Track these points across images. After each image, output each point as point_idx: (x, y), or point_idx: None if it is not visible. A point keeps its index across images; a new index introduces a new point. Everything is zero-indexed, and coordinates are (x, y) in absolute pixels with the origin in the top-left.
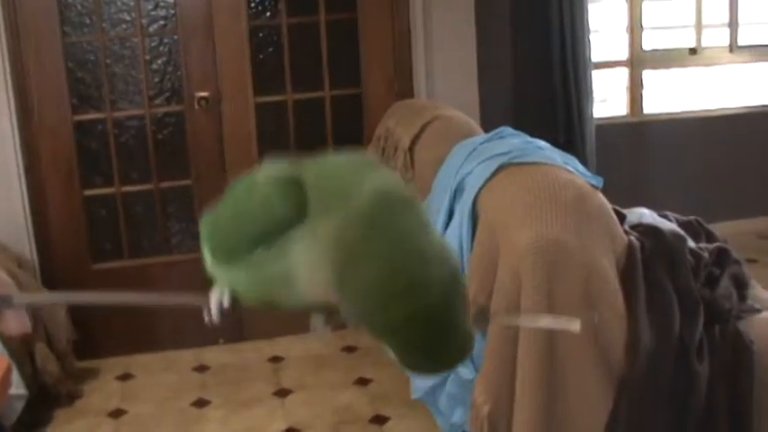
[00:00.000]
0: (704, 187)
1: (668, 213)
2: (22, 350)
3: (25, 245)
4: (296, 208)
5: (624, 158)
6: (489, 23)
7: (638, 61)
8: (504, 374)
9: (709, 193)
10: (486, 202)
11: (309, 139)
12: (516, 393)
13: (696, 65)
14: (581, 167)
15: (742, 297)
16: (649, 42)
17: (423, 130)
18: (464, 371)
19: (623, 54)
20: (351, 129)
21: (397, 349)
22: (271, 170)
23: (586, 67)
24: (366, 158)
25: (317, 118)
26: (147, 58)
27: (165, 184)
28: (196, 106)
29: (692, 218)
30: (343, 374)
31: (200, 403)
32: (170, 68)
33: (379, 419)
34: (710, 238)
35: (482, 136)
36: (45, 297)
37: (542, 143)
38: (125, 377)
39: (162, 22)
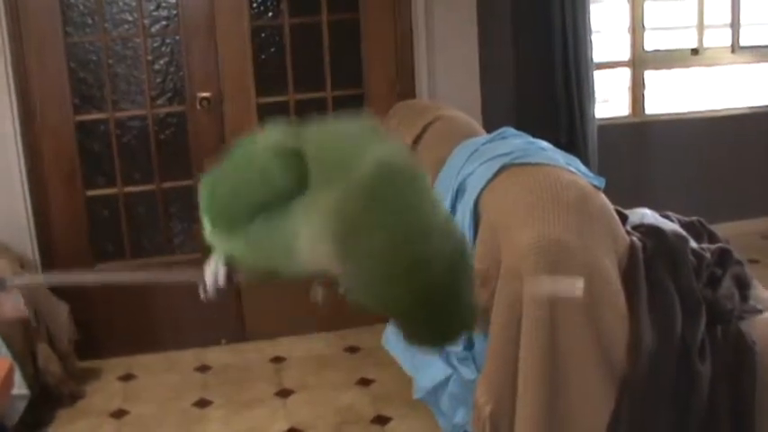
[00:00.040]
0: (706, 188)
1: (670, 214)
2: (24, 350)
3: (27, 245)
4: (296, 179)
5: (626, 159)
6: (491, 23)
7: (640, 61)
8: (506, 375)
9: (712, 193)
10: (487, 203)
11: None
12: (518, 390)
13: (698, 65)
14: (583, 168)
15: (744, 297)
16: (651, 43)
17: (424, 130)
18: (466, 371)
19: (625, 54)
20: None
21: (401, 323)
22: (271, 139)
23: (588, 68)
24: (369, 126)
25: (319, 118)
26: (150, 58)
27: (167, 185)
28: (198, 107)
29: (693, 218)
30: (345, 375)
31: (202, 403)
32: (172, 69)
33: (381, 420)
34: (712, 238)
35: (484, 136)
36: (39, 278)
37: (544, 144)
38: (127, 377)
39: (164, 23)
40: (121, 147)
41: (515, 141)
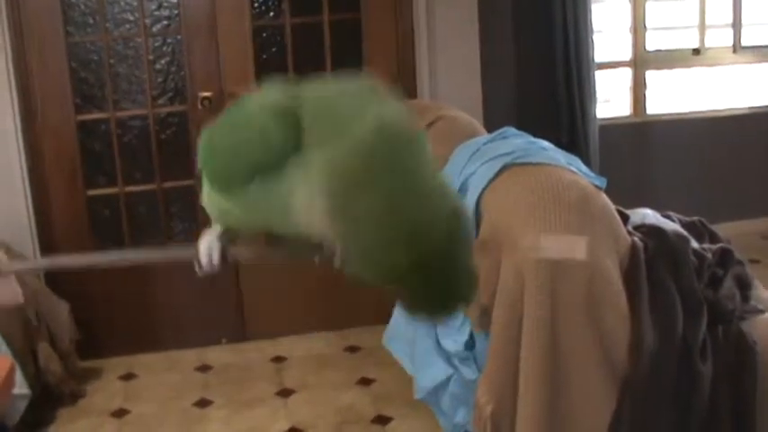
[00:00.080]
0: (707, 188)
1: (671, 214)
2: (25, 350)
3: (28, 244)
4: (293, 139)
5: (627, 159)
6: (492, 23)
7: (642, 61)
8: (507, 374)
9: (713, 193)
10: (489, 203)
11: None
12: (520, 390)
13: (699, 65)
14: (584, 168)
15: (745, 298)
16: (653, 43)
17: (426, 130)
18: (467, 371)
19: (626, 54)
20: None
21: (399, 292)
22: (268, 98)
23: (590, 68)
24: (368, 86)
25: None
26: (151, 57)
27: (168, 184)
28: (199, 106)
29: (695, 218)
30: (345, 374)
31: (203, 403)
32: (173, 68)
33: (382, 420)
34: (714, 238)
35: (485, 136)
36: (34, 263)
37: (546, 143)
38: (128, 377)
39: (165, 22)
40: (122, 146)
41: (516, 141)
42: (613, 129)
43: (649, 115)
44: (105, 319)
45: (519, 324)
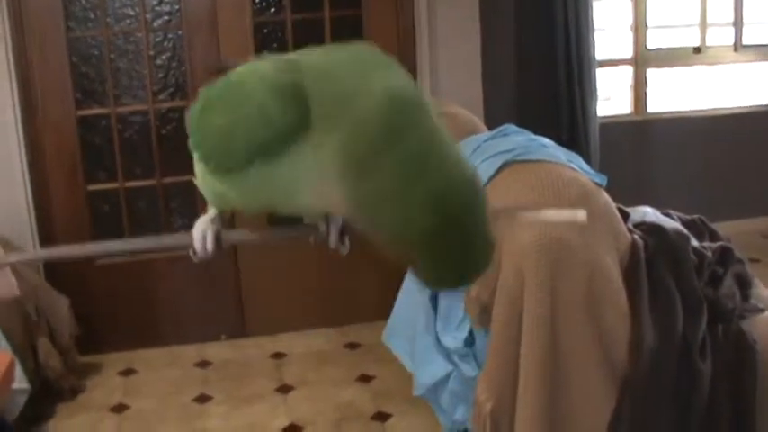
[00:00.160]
0: (708, 186)
1: (672, 212)
2: (24, 345)
3: (28, 240)
4: (297, 118)
5: (628, 157)
6: (493, 20)
7: (643, 60)
8: (507, 372)
9: (713, 191)
10: (489, 200)
11: None
12: (519, 390)
13: (700, 64)
14: (585, 165)
15: (745, 296)
16: (654, 41)
17: None
18: (467, 368)
19: (628, 52)
20: None
21: (417, 262)
22: (266, 72)
23: (591, 66)
24: (372, 54)
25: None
26: (152, 53)
27: (168, 180)
28: None
29: (695, 216)
30: (345, 371)
31: (203, 399)
32: (174, 64)
33: (381, 416)
34: (714, 236)
35: (486, 133)
36: (31, 255)
37: (546, 141)
38: (127, 372)
39: (166, 18)
40: (123, 142)
41: (517, 138)
42: (614, 127)
43: (650, 113)
44: (105, 315)
45: (519, 322)
